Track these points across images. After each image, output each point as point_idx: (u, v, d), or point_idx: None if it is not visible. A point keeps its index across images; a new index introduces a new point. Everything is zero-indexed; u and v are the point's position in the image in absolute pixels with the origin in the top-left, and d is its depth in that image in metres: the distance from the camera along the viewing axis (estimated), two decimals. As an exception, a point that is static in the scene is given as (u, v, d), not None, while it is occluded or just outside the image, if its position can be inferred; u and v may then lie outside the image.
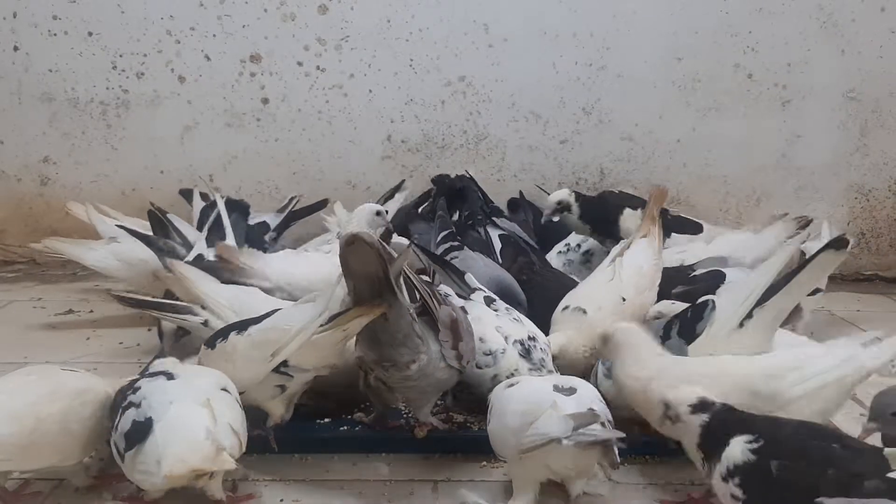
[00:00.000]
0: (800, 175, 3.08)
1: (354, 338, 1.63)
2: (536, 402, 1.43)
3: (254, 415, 1.77)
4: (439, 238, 2.35)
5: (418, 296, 1.63)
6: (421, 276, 1.70)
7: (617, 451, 1.40)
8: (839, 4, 2.92)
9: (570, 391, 1.46)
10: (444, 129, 3.03)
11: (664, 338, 1.72)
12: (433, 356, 1.60)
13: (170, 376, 1.52)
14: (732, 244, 2.53)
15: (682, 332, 1.73)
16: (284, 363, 1.63)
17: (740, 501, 1.35)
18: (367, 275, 1.49)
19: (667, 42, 2.95)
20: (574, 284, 2.13)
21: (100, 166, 3.01)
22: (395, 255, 1.55)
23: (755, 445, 1.35)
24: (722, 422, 1.42)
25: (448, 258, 2.19)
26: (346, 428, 1.84)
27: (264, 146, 3.02)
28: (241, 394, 1.67)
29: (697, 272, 2.24)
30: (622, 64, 2.97)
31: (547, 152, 3.05)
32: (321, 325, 1.60)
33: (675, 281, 2.12)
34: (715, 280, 2.11)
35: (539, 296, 2.11)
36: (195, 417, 1.43)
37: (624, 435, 1.40)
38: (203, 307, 1.91)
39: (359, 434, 1.82)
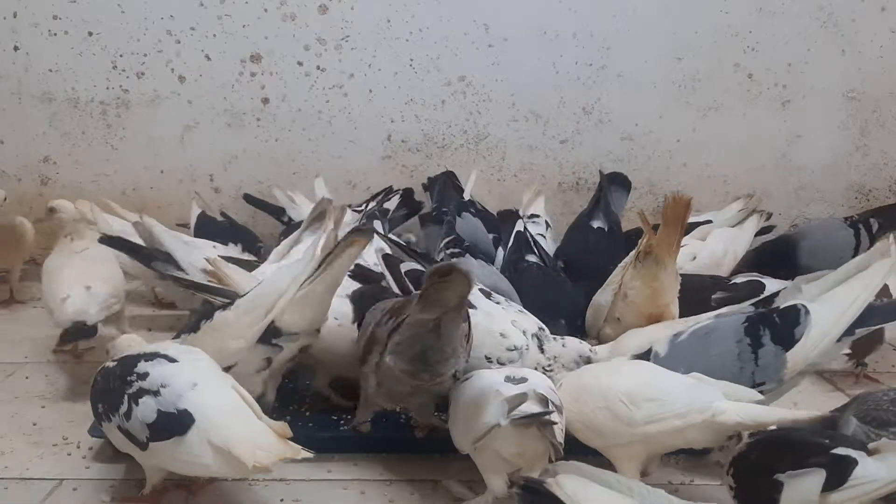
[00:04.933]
0: (800, 175, 3.08)
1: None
2: (482, 393, 1.45)
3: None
4: (442, 243, 2.33)
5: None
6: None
7: (556, 432, 1.40)
8: (839, 4, 2.91)
9: (521, 381, 1.48)
10: (444, 129, 3.03)
11: (753, 345, 1.64)
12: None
13: (169, 359, 1.51)
14: (726, 239, 2.57)
15: (776, 337, 1.63)
16: (274, 334, 1.65)
17: (734, 491, 1.41)
18: (449, 303, 1.43)
19: (667, 42, 2.95)
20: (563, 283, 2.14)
21: (100, 166, 3.01)
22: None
23: (751, 440, 1.42)
24: None
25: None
26: (345, 428, 1.84)
27: (264, 146, 3.02)
28: (227, 369, 1.67)
29: (737, 280, 2.23)
30: (622, 64, 2.97)
31: (547, 152, 3.05)
32: (311, 276, 1.63)
33: (713, 288, 2.11)
34: (754, 289, 2.09)
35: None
36: (238, 403, 1.47)
37: (553, 412, 1.40)
38: None
39: (359, 434, 1.82)
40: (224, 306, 1.70)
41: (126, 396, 1.45)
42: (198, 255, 2.24)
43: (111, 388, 1.49)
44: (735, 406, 1.44)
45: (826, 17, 2.93)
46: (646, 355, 1.69)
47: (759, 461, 1.38)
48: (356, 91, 2.98)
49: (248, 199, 2.95)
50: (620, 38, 2.94)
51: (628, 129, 3.03)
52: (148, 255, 2.25)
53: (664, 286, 1.89)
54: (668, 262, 1.89)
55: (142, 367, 1.48)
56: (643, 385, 1.52)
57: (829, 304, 1.65)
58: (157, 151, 3.01)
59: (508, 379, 1.49)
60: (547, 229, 2.70)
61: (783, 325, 1.64)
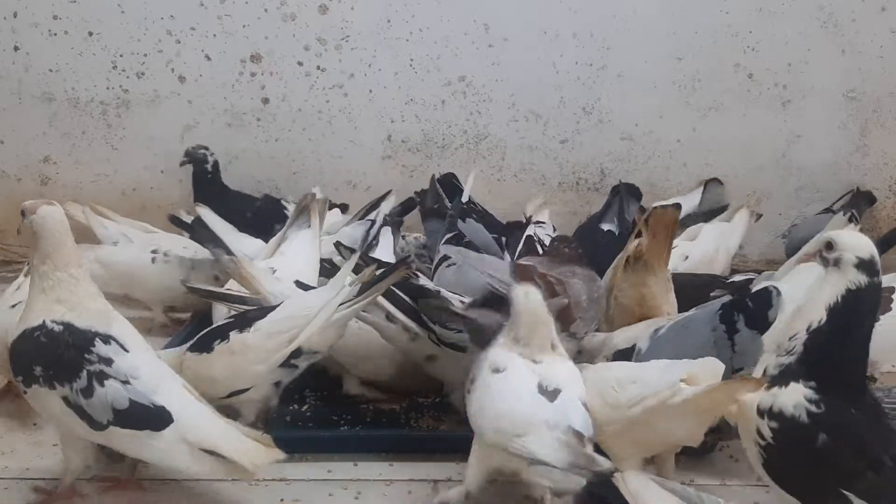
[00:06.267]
0: (800, 175, 3.08)
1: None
2: (526, 416, 1.42)
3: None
4: (443, 241, 2.32)
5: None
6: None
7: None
8: (839, 4, 2.91)
9: (555, 394, 1.45)
10: (444, 129, 3.02)
11: (729, 332, 1.65)
12: None
13: (122, 346, 1.50)
14: (716, 236, 2.60)
15: (751, 322, 1.64)
16: (295, 354, 1.67)
17: (760, 446, 1.34)
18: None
19: (667, 42, 2.95)
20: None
21: (100, 166, 3.01)
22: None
23: (814, 409, 1.31)
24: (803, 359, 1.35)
25: (446, 263, 2.18)
26: (345, 428, 1.85)
27: (265, 146, 3.02)
28: (233, 394, 1.68)
29: (734, 279, 2.23)
30: (622, 64, 2.96)
31: (547, 152, 3.05)
32: (347, 302, 1.66)
33: (711, 286, 2.12)
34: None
35: None
36: (203, 406, 1.51)
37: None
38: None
39: (359, 434, 1.83)
40: (240, 327, 1.69)
41: (86, 372, 1.44)
42: (247, 244, 2.42)
43: (62, 355, 1.46)
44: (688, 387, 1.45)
45: (826, 17, 2.93)
46: (630, 351, 1.72)
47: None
48: (356, 91, 2.98)
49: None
50: (620, 38, 2.94)
51: (628, 129, 3.03)
52: (202, 237, 2.40)
53: (653, 291, 1.91)
54: (657, 269, 1.92)
55: (101, 349, 1.47)
56: (630, 370, 1.57)
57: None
58: (157, 151, 3.01)
59: (541, 389, 1.45)
60: (554, 232, 2.70)
61: (756, 309, 1.65)
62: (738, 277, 2.27)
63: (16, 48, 2.93)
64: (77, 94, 2.97)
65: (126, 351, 1.50)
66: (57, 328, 1.48)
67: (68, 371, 1.45)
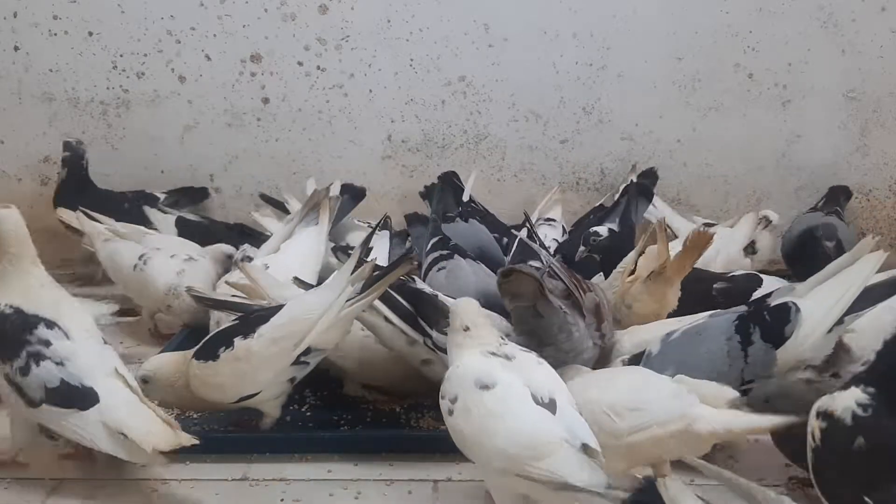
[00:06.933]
0: (800, 175, 3.08)
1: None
2: (541, 436, 1.33)
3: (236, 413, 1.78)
4: (429, 245, 2.29)
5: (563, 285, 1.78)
6: (560, 269, 1.81)
7: None
8: (839, 4, 2.91)
9: (552, 405, 1.38)
10: (444, 129, 3.03)
11: (743, 343, 1.65)
12: (583, 333, 1.73)
13: (66, 334, 1.58)
14: (717, 240, 2.58)
15: (766, 335, 1.64)
16: (304, 352, 1.67)
17: (811, 449, 1.32)
18: (526, 296, 1.66)
19: (667, 42, 2.95)
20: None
21: (100, 166, 3.00)
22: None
23: (860, 413, 1.28)
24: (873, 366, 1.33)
25: (437, 268, 2.18)
26: (345, 428, 1.85)
27: (265, 146, 3.02)
28: (242, 399, 1.69)
29: (735, 273, 2.25)
30: (622, 64, 2.97)
31: (547, 152, 3.05)
32: (352, 299, 1.66)
33: (714, 279, 2.15)
34: (752, 282, 2.13)
35: None
36: (128, 393, 1.57)
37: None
38: None
39: (359, 434, 1.83)
40: (244, 333, 1.68)
41: (25, 352, 1.54)
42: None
43: (7, 334, 1.57)
44: (710, 414, 1.42)
45: (826, 17, 2.93)
46: (640, 356, 1.71)
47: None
48: (356, 91, 2.98)
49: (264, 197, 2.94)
50: (620, 38, 2.94)
51: (628, 129, 3.03)
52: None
53: (669, 303, 1.98)
54: (676, 281, 1.97)
55: (43, 332, 1.57)
56: (626, 396, 1.49)
57: (820, 300, 1.66)
58: (157, 151, 3.01)
59: (537, 400, 1.37)
60: (563, 234, 2.71)
61: (773, 323, 1.65)
62: (737, 272, 2.27)
63: (16, 48, 2.93)
64: (77, 94, 2.97)
65: (68, 339, 1.58)
66: (7, 310, 1.59)
67: (10, 350, 1.56)
